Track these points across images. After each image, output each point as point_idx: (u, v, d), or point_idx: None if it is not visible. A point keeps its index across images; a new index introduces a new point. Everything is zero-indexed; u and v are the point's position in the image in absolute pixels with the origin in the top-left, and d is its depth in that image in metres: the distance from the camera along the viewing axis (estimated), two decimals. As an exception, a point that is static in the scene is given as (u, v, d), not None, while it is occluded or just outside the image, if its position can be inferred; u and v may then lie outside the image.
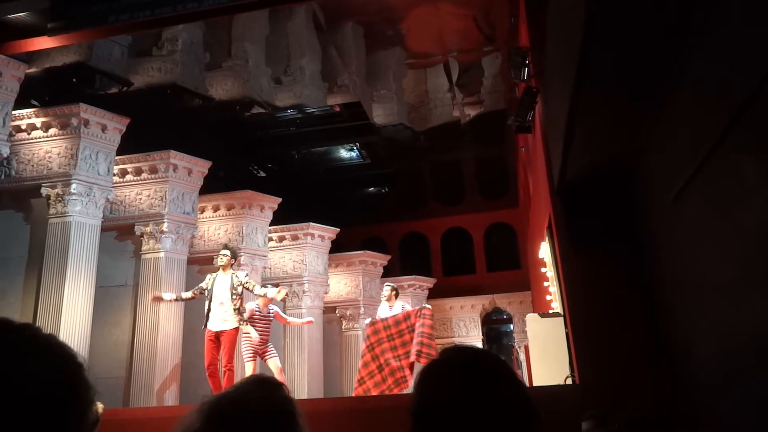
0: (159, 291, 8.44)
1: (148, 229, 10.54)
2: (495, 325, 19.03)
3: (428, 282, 17.91)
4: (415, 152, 17.19)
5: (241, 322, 7.88)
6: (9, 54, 9.05)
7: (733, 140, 3.37)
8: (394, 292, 9.16)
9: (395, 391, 8.20)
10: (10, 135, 9.29)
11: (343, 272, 15.74)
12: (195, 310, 9.16)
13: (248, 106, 13.82)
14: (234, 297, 7.92)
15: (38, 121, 9.83)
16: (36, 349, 0.98)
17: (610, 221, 6.14)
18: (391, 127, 15.58)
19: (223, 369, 7.76)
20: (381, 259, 16.32)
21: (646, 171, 5.54)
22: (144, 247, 10.54)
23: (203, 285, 8.15)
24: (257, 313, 8.24)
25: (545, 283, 9.83)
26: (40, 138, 9.86)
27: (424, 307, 8.86)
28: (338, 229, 14.79)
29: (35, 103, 10.49)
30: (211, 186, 11.85)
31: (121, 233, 10.74)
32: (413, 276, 17.57)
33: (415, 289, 17.41)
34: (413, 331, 8.46)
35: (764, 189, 3.06)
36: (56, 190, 9.49)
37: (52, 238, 9.31)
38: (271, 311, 8.44)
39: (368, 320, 9.11)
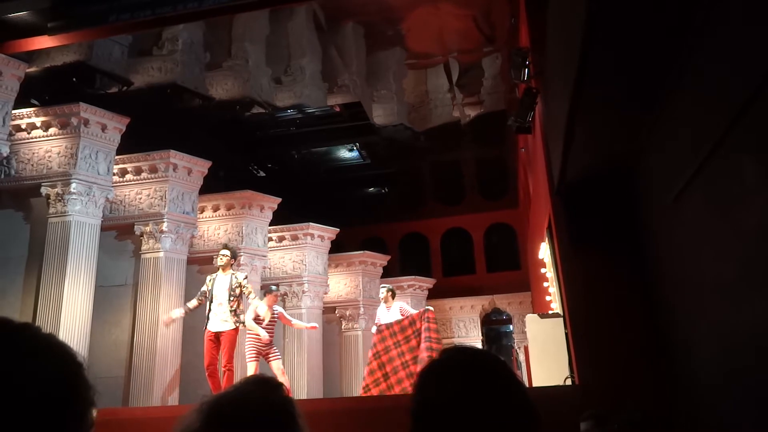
0: (167, 315, 8.33)
1: (147, 228, 10.54)
2: (494, 325, 19.03)
3: (428, 282, 17.90)
4: (415, 152, 17.19)
5: (237, 324, 7.84)
6: (9, 53, 9.05)
7: (734, 140, 3.36)
8: (390, 293, 9.12)
9: None
10: (10, 134, 9.29)
11: (343, 272, 15.73)
12: (195, 310, 9.15)
13: (248, 106, 13.82)
14: (232, 298, 7.90)
15: (38, 121, 9.83)
16: (36, 348, 0.98)
17: (610, 221, 6.14)
18: (391, 127, 15.58)
19: (223, 369, 7.76)
20: (381, 260, 16.31)
21: (646, 171, 5.54)
22: (144, 247, 10.54)
23: (204, 288, 8.12)
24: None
25: (545, 284, 9.83)
26: (40, 137, 9.85)
27: (428, 310, 8.82)
28: (338, 230, 14.79)
29: (35, 102, 10.49)
30: (210, 186, 11.85)
31: (121, 233, 10.73)
32: (413, 276, 17.56)
33: (414, 290, 17.41)
34: (419, 335, 8.44)
35: (764, 189, 3.06)
36: (56, 189, 9.49)
37: (52, 238, 9.31)
38: (275, 312, 8.43)
39: (374, 328, 9.05)
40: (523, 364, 12.25)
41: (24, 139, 9.90)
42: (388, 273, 16.89)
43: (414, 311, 9.30)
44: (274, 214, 13.05)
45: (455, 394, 1.18)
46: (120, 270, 10.50)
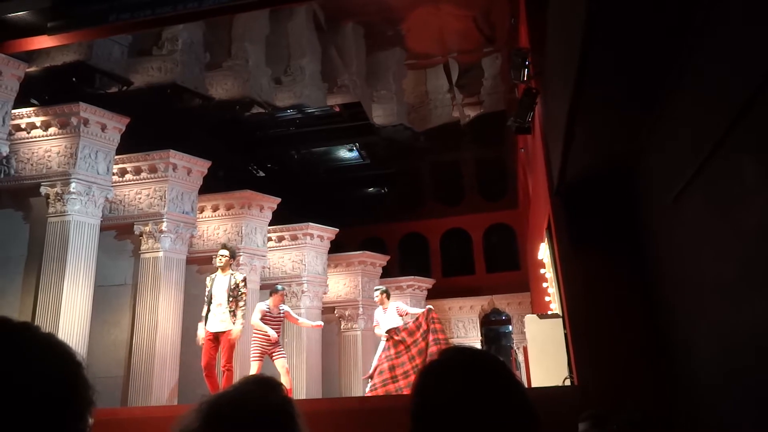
0: (197, 339, 8.14)
1: (147, 228, 10.53)
2: (494, 326, 19.04)
3: (427, 283, 17.91)
4: (415, 153, 17.20)
5: (234, 324, 7.80)
6: (9, 53, 9.05)
7: (734, 140, 3.36)
8: (384, 295, 9.07)
9: None
10: (10, 134, 9.29)
11: (342, 272, 15.73)
12: (194, 310, 9.15)
13: (248, 106, 13.82)
14: (231, 299, 7.88)
15: (38, 120, 9.83)
16: (35, 348, 0.98)
17: (610, 222, 6.14)
18: (390, 127, 15.58)
19: (222, 369, 7.74)
20: (380, 260, 16.31)
21: (646, 171, 5.54)
22: (143, 247, 10.54)
23: (207, 291, 8.08)
24: (268, 313, 8.23)
25: (544, 284, 9.83)
26: (39, 137, 9.85)
27: (431, 310, 8.80)
28: (337, 230, 14.79)
29: (35, 102, 10.49)
30: (210, 186, 11.85)
31: (121, 232, 10.73)
32: (412, 276, 17.57)
33: (414, 290, 17.41)
34: (426, 336, 8.44)
35: (764, 189, 3.06)
36: (55, 189, 9.49)
37: (51, 237, 9.30)
38: (281, 311, 8.42)
39: (376, 330, 9.00)
40: (522, 365, 12.24)
41: (24, 139, 9.89)
42: (387, 273, 16.89)
43: (411, 308, 9.31)
44: (274, 214, 13.06)
45: (454, 394, 1.18)
46: (119, 270, 10.49)
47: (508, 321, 18.39)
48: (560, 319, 7.16)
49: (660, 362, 5.53)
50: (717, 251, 3.91)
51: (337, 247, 15.39)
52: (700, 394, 4.71)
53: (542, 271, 10.10)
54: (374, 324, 9.09)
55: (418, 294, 17.47)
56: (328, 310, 14.85)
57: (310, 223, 14.21)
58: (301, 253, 14.16)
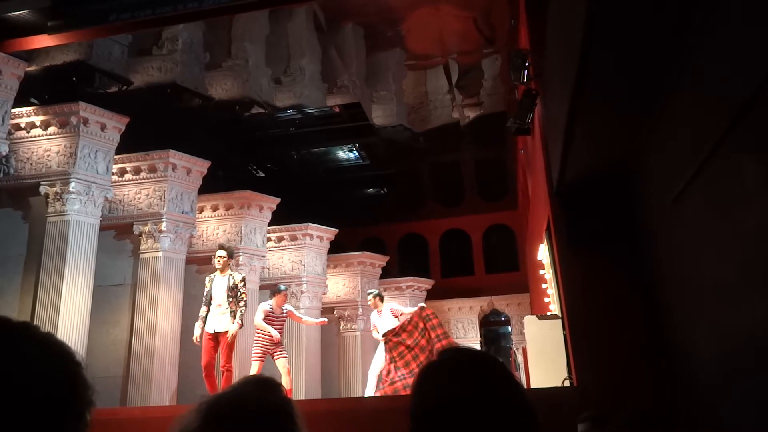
0: (194, 337, 8.12)
1: (146, 228, 10.53)
2: (493, 326, 19.04)
3: (427, 283, 17.91)
4: (415, 153, 17.21)
5: (229, 335, 7.76)
6: (9, 52, 9.05)
7: (734, 141, 3.36)
8: (377, 298, 9.08)
9: None
10: (9, 133, 9.29)
11: (342, 273, 15.73)
12: (193, 310, 9.15)
13: (248, 106, 13.82)
14: (230, 299, 7.87)
15: (37, 120, 9.82)
16: (35, 348, 0.97)
17: (610, 222, 6.13)
18: (390, 128, 15.60)
19: (221, 369, 7.74)
20: (379, 260, 16.32)
21: (646, 172, 5.54)
22: (142, 247, 10.53)
23: (205, 291, 8.07)
24: (271, 313, 8.22)
25: (543, 285, 9.83)
26: (39, 136, 9.85)
27: (423, 309, 8.83)
28: (337, 230, 14.79)
29: (35, 101, 10.49)
30: (210, 186, 11.84)
31: (120, 232, 10.73)
32: (412, 277, 17.57)
33: (413, 290, 17.41)
34: (425, 334, 8.45)
35: (765, 190, 3.06)
36: (55, 188, 9.48)
37: (51, 237, 9.30)
38: (284, 311, 8.41)
39: (374, 333, 9.01)
40: (522, 366, 12.24)
41: (23, 138, 9.89)
42: (386, 274, 16.89)
43: (404, 308, 9.33)
44: (273, 214, 13.05)
45: (454, 395, 1.18)
46: (118, 269, 10.49)
47: (508, 322, 18.40)
48: (559, 320, 7.16)
49: (660, 363, 5.52)
50: (717, 252, 3.91)
51: (336, 247, 15.39)
52: (700, 394, 4.70)
53: (541, 272, 10.10)
54: (372, 328, 9.09)
55: (417, 295, 17.47)
56: (327, 311, 14.84)
57: (310, 224, 14.21)
58: (301, 254, 14.16)
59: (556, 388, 6.63)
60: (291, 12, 13.36)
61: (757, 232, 3.22)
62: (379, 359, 8.90)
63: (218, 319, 7.84)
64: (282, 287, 8.69)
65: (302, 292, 13.76)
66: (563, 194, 6.38)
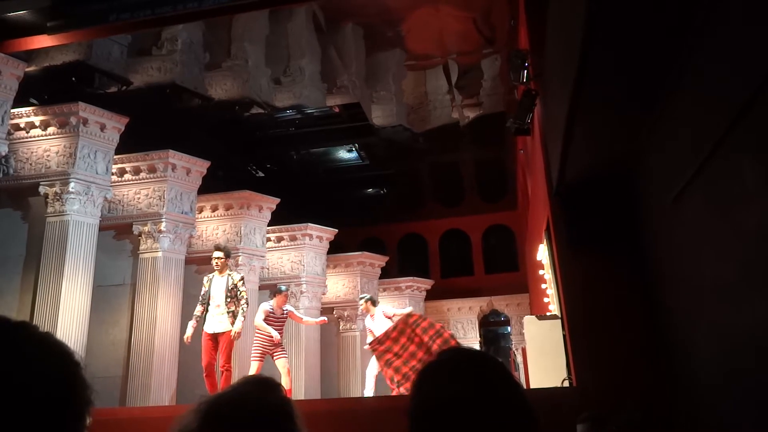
0: (185, 336, 8.13)
1: (146, 228, 10.53)
2: (492, 327, 19.04)
3: (426, 283, 17.91)
4: (414, 154, 17.20)
5: (234, 332, 7.75)
6: (8, 52, 9.05)
7: (734, 141, 3.36)
8: (369, 303, 9.08)
9: None
10: (9, 133, 9.28)
11: (341, 273, 15.73)
12: (192, 310, 9.13)
13: (247, 106, 13.82)
14: (228, 299, 7.87)
15: (37, 120, 9.82)
16: (34, 347, 0.97)
17: (610, 222, 6.13)
18: (390, 128, 15.59)
19: (221, 369, 7.73)
20: (379, 260, 16.31)
21: (645, 172, 5.54)
22: (142, 247, 10.53)
23: (203, 290, 8.07)
24: (271, 314, 8.22)
25: (543, 286, 9.83)
26: (38, 136, 9.84)
27: (411, 316, 8.71)
28: (336, 230, 14.79)
29: (34, 101, 10.48)
30: (209, 186, 11.84)
31: (119, 232, 10.72)
32: (411, 277, 17.57)
33: (413, 291, 17.41)
34: (414, 339, 8.36)
35: (764, 190, 3.06)
36: (54, 188, 9.48)
37: (50, 237, 9.29)
38: (285, 311, 8.41)
39: (368, 340, 9.00)
40: (521, 366, 12.24)
41: (23, 138, 9.88)
42: (386, 274, 16.89)
43: (397, 309, 9.32)
44: (273, 214, 13.05)
45: (453, 395, 1.17)
46: (118, 270, 10.49)
47: (507, 322, 18.40)
48: (559, 320, 7.17)
49: (659, 363, 5.52)
50: (717, 252, 3.90)
51: (336, 247, 15.38)
52: (700, 394, 4.70)
53: (541, 272, 10.11)
54: (368, 332, 9.06)
55: (417, 295, 17.48)
56: (327, 311, 14.82)
57: (309, 224, 14.20)
58: (300, 254, 14.15)
59: (555, 389, 6.63)
60: (291, 12, 13.36)
61: (757, 232, 3.22)
62: (375, 360, 8.89)
63: (217, 319, 7.84)
64: (282, 288, 8.68)
65: (302, 293, 13.76)
66: (563, 194, 6.38)
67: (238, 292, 7.89)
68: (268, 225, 13.14)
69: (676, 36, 3.77)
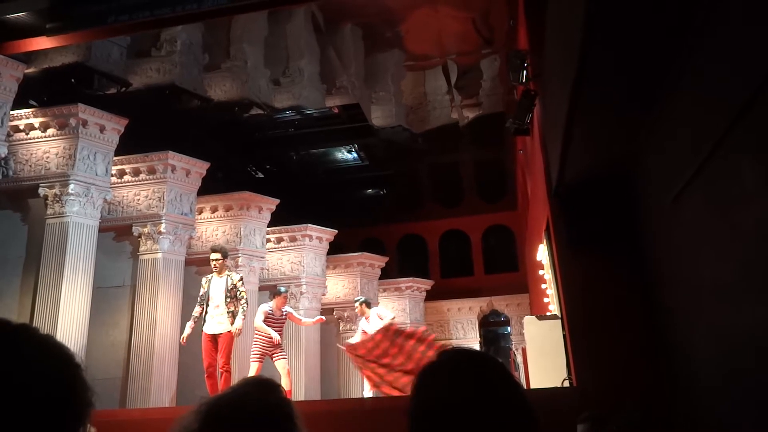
0: (182, 337, 8.17)
1: (145, 229, 10.53)
2: (492, 327, 19.04)
3: (426, 284, 17.90)
4: (414, 154, 17.19)
5: (234, 328, 7.75)
6: (7, 54, 9.04)
7: (733, 141, 3.36)
8: (364, 305, 9.12)
9: None
10: (8, 135, 9.28)
11: (341, 274, 15.73)
12: (192, 311, 9.13)
13: (247, 108, 13.81)
14: (228, 300, 7.86)
15: (36, 122, 9.82)
16: (34, 349, 0.97)
17: (609, 223, 6.13)
18: (389, 128, 15.58)
19: (220, 370, 7.73)
20: (379, 261, 16.32)
21: (645, 172, 5.54)
22: (142, 248, 10.53)
23: (201, 291, 8.06)
24: (271, 315, 8.22)
25: (543, 286, 9.83)
26: (38, 138, 9.84)
27: (390, 327, 8.63)
28: (336, 231, 14.79)
29: (33, 103, 10.47)
30: (209, 187, 11.84)
31: (119, 234, 10.72)
32: (411, 278, 17.57)
33: (412, 291, 17.42)
34: (392, 350, 8.36)
35: (764, 190, 3.06)
36: (54, 190, 9.47)
37: (50, 239, 9.29)
38: (284, 312, 8.41)
39: (345, 350, 9.00)
40: (521, 366, 12.24)
41: (22, 140, 9.88)
42: (386, 274, 16.88)
43: (387, 312, 9.30)
44: (273, 215, 13.05)
45: (453, 395, 1.18)
46: (118, 271, 10.48)
47: (507, 322, 18.39)
48: (559, 321, 7.17)
49: (659, 363, 5.52)
50: (716, 252, 3.91)
51: (336, 248, 15.39)
52: (699, 394, 4.70)
53: (541, 272, 10.11)
54: (362, 334, 9.05)
55: (416, 295, 17.48)
56: (326, 312, 14.80)
57: (309, 225, 14.21)
58: (300, 255, 14.15)
59: (555, 389, 6.63)
60: (290, 13, 13.34)
61: (756, 232, 3.22)
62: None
63: (217, 320, 7.84)
64: (282, 289, 8.69)
65: (301, 293, 13.76)
66: (562, 195, 6.39)
67: (238, 292, 7.89)
68: (268, 226, 13.14)
69: (675, 36, 3.77)
